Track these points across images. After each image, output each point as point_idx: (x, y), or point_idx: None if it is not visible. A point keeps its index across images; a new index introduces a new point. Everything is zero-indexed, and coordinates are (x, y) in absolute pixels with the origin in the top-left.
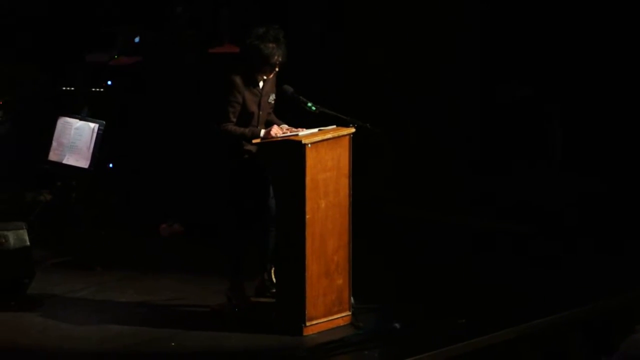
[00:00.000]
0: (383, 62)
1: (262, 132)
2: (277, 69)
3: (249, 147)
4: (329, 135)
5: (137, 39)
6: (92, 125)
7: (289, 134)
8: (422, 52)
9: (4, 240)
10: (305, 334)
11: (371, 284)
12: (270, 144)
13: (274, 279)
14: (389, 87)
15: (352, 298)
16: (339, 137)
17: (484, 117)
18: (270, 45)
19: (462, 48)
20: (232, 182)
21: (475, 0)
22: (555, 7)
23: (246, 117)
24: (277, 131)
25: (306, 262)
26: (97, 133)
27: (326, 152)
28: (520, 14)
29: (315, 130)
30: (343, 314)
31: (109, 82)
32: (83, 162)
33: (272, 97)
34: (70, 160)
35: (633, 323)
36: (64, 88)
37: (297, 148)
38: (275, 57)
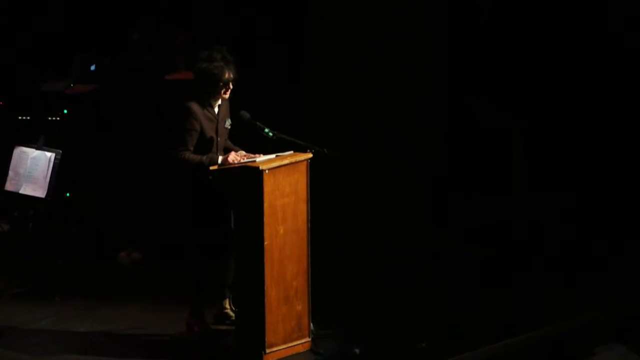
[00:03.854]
0: (347, 87)
1: (220, 158)
2: (231, 88)
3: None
4: (286, 161)
5: (93, 67)
6: (48, 154)
7: (246, 160)
8: (387, 75)
9: None
10: None
11: (331, 309)
12: (228, 170)
13: (232, 307)
14: (353, 113)
15: (311, 324)
16: (296, 162)
17: (449, 137)
18: (218, 64)
19: (429, 67)
20: (194, 209)
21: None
22: (526, 25)
23: (205, 144)
24: (234, 157)
25: (265, 289)
26: (54, 162)
27: (284, 177)
28: (489, 32)
29: (273, 156)
30: (303, 340)
31: (65, 111)
32: (40, 192)
33: (227, 123)
34: (27, 190)
35: (592, 345)
36: (19, 117)
37: (254, 174)
38: (226, 74)
